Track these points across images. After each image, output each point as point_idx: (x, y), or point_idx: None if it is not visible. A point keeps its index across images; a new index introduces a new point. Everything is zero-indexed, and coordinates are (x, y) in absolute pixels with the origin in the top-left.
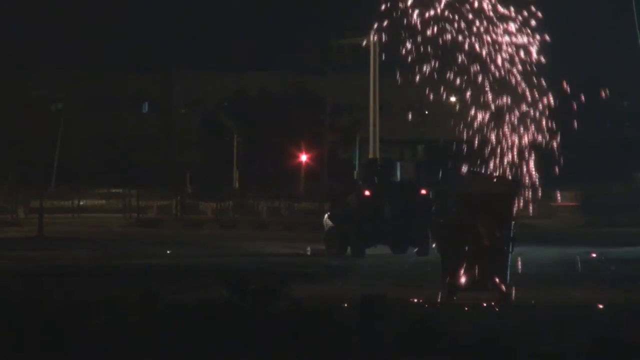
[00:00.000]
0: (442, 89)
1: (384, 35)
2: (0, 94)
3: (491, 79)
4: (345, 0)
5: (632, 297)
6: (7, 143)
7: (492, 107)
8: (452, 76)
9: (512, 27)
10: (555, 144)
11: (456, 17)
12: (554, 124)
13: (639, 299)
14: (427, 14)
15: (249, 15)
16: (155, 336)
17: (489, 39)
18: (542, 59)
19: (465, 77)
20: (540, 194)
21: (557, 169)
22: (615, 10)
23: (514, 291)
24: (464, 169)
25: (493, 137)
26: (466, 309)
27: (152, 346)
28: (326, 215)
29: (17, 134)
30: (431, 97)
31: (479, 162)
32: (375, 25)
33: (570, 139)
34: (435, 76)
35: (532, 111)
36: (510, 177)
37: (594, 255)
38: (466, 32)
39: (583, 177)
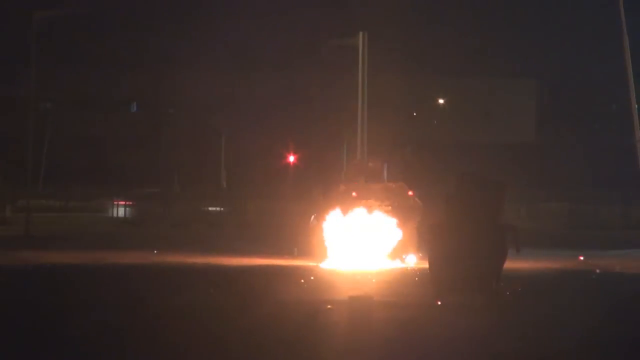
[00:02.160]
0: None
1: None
2: None
3: None
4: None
5: (619, 301)
6: None
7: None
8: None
9: None
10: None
11: None
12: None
13: (625, 302)
14: None
15: (239, 14)
16: (143, 336)
17: None
18: None
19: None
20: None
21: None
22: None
23: (501, 293)
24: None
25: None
26: (453, 310)
27: (140, 346)
28: (313, 216)
29: (4, 133)
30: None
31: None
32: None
33: (558, 141)
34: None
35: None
36: (498, 180)
37: (582, 258)
38: None
39: (571, 180)
